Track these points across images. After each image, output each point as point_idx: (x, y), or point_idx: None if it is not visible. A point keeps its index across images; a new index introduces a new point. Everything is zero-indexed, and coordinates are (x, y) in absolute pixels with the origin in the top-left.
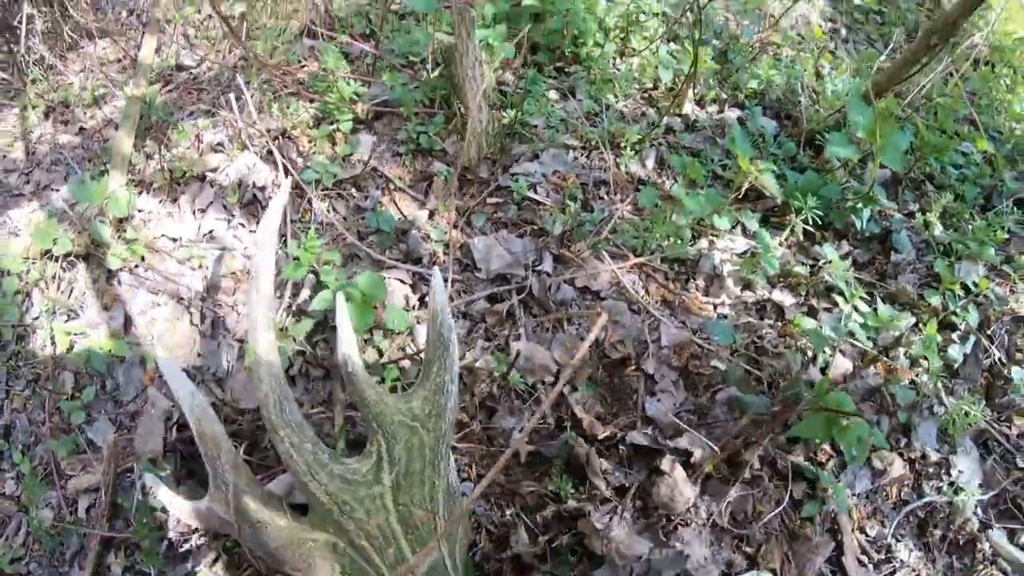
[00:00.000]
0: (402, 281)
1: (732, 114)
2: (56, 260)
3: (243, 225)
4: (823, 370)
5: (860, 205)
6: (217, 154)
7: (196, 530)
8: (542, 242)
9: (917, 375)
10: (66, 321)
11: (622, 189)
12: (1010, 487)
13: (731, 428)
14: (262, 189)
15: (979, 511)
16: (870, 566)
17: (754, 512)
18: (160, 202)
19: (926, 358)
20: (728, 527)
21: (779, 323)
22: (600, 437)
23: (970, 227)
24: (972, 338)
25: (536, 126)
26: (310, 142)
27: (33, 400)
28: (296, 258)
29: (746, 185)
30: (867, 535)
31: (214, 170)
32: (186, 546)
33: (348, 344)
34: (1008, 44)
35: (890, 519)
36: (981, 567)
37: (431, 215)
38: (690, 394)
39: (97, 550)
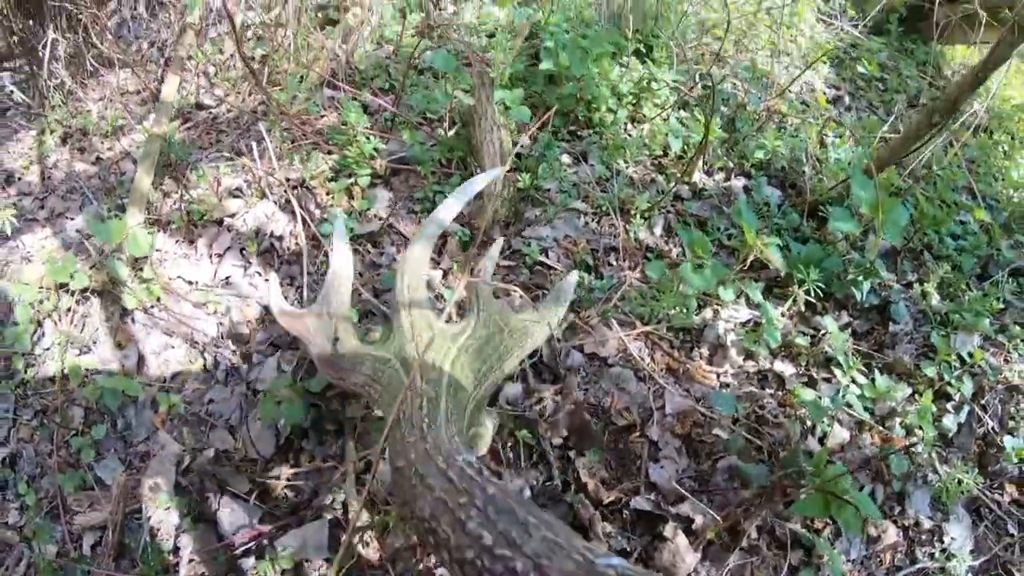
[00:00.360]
0: None
1: (738, 183)
2: (72, 294)
3: (259, 273)
4: (821, 440)
5: (860, 278)
6: (236, 199)
7: (209, 574)
8: None
9: (912, 444)
10: (79, 355)
11: (631, 256)
12: (1001, 552)
13: (731, 496)
14: (279, 239)
15: None
16: None
17: None
18: (177, 243)
19: (921, 427)
20: None
21: (780, 392)
22: (605, 502)
23: (967, 297)
24: (966, 408)
25: (549, 190)
26: (328, 194)
27: (41, 432)
28: None
29: (751, 257)
30: None
31: (232, 215)
32: None
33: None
34: (1007, 110)
35: None
36: None
37: (445, 275)
38: (692, 461)
39: None
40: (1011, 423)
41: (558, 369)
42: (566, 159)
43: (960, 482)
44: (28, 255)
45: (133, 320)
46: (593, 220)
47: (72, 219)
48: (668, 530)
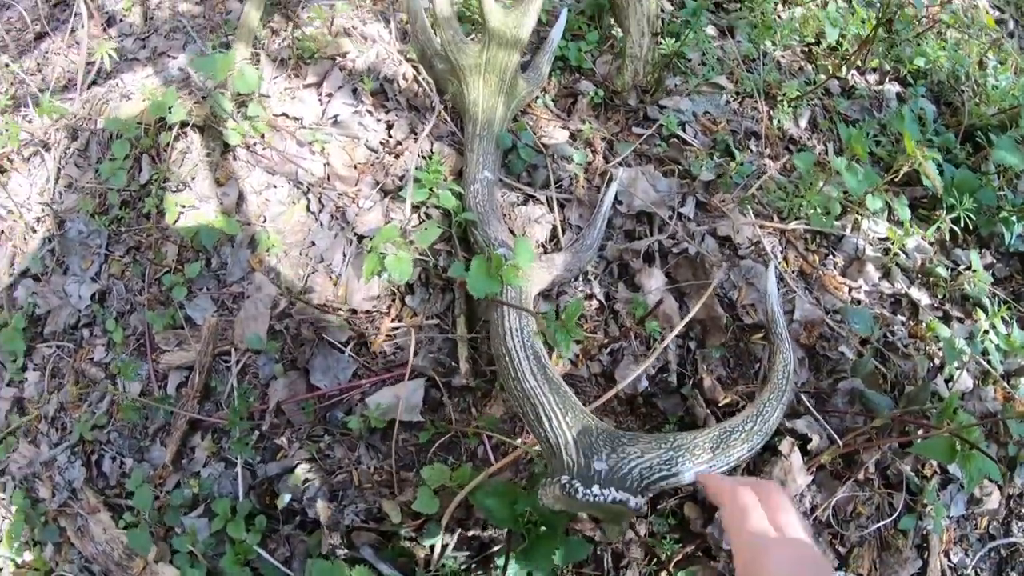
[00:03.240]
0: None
1: (891, 88)
2: (171, 129)
3: (370, 113)
4: (947, 381)
5: (1013, 218)
6: (349, 37)
7: (289, 425)
8: (686, 185)
9: None
10: (175, 192)
11: (772, 144)
12: None
13: (848, 420)
14: (390, 81)
15: None
16: None
17: (854, 512)
18: (285, 79)
19: None
20: (828, 522)
21: (911, 322)
22: (720, 403)
23: None
24: None
25: (691, 60)
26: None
27: (132, 269)
28: (418, 180)
29: (905, 169)
30: (950, 561)
31: (344, 54)
32: (277, 441)
33: None
34: None
35: (974, 550)
36: None
37: (572, 136)
38: (813, 375)
39: (184, 430)
40: None
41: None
42: (711, 31)
43: None
44: (128, 93)
45: (235, 157)
46: (735, 100)
47: (175, 58)
48: (784, 445)
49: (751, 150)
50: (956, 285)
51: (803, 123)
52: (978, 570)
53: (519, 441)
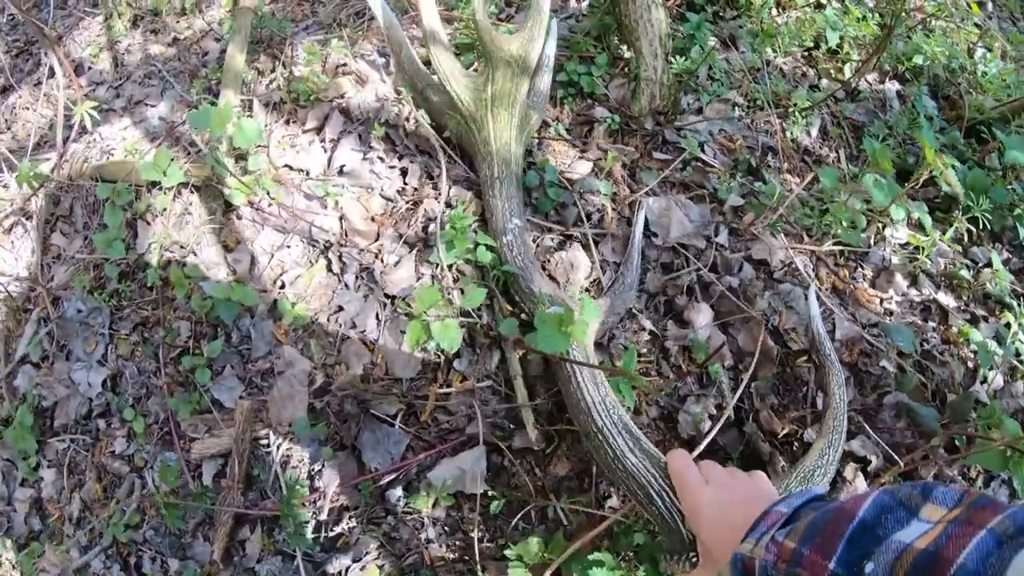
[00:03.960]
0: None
1: (892, 87)
2: (167, 193)
3: (381, 159)
4: (982, 382)
5: None
6: (346, 77)
7: (345, 509)
8: (715, 210)
9: None
10: (182, 265)
11: (789, 158)
12: None
13: (897, 435)
14: (394, 126)
15: None
16: None
17: None
18: (283, 127)
19: None
20: None
21: (942, 327)
22: (780, 434)
23: None
24: None
25: (699, 76)
26: None
27: (143, 348)
28: (448, 237)
29: (925, 176)
30: None
31: (342, 95)
32: (336, 529)
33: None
34: None
35: None
36: None
37: (595, 167)
38: (858, 393)
39: (230, 524)
40: None
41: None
42: (712, 42)
43: None
44: (108, 149)
45: (239, 217)
46: (747, 114)
47: (153, 106)
48: (848, 471)
49: (769, 166)
50: (978, 285)
51: (814, 132)
52: None
53: (596, 502)
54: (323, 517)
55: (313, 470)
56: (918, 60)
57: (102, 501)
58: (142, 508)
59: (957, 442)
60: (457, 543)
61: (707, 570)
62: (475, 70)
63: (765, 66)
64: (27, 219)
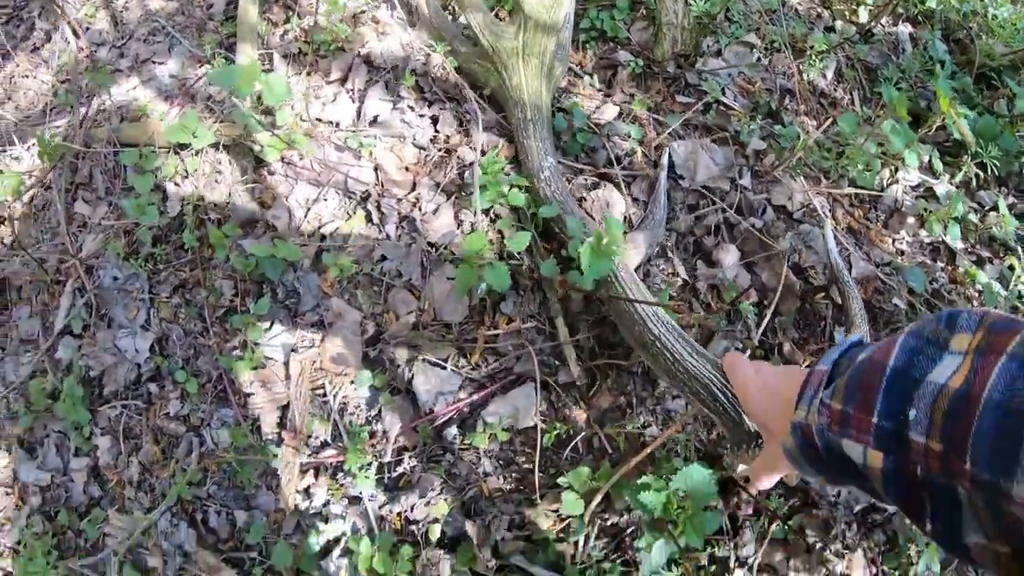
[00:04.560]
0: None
1: (904, 29)
2: (197, 154)
3: (412, 108)
4: None
5: None
6: (368, 26)
7: (406, 449)
8: (738, 153)
9: None
10: (219, 224)
11: (806, 100)
12: None
13: None
14: (422, 73)
15: None
16: None
17: None
18: (304, 77)
19: None
20: None
21: (950, 267)
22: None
23: None
24: None
25: (716, 19)
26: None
27: (187, 310)
28: (484, 186)
29: (938, 124)
30: None
31: (364, 45)
32: (399, 469)
33: None
34: None
35: None
36: None
37: (621, 112)
38: (871, 328)
39: (295, 474)
40: None
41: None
42: None
43: None
44: (123, 110)
45: (271, 172)
46: (765, 56)
47: (162, 63)
48: None
49: (787, 109)
50: (984, 228)
51: (829, 75)
52: None
53: (638, 428)
54: (386, 459)
55: (371, 415)
56: (931, 3)
57: (161, 462)
58: (203, 465)
59: None
60: (513, 475)
61: (770, 448)
62: (506, 21)
63: (781, 6)
64: (46, 189)
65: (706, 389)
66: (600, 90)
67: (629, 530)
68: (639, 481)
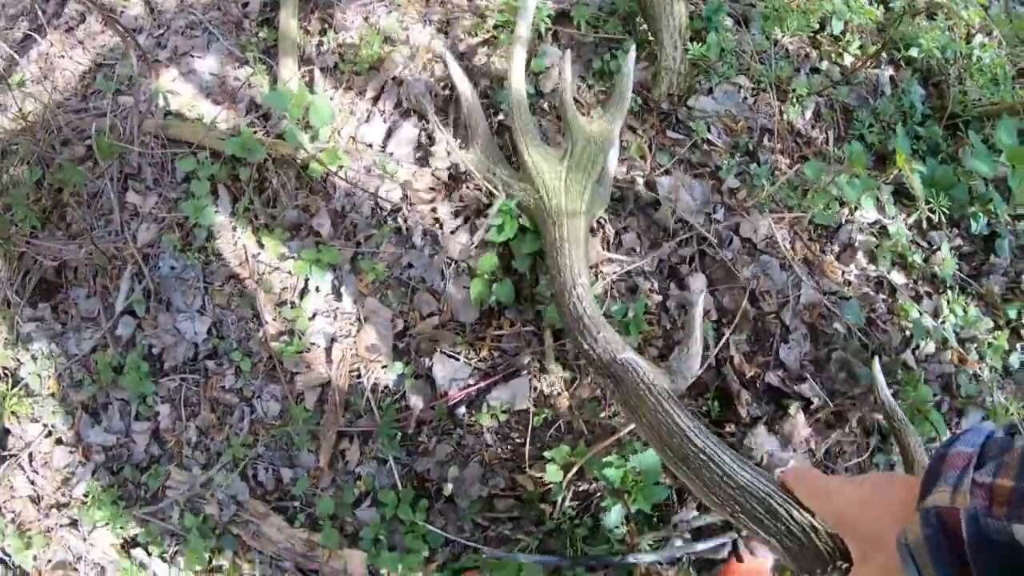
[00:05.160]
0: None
1: (885, 72)
2: (248, 166)
3: (438, 132)
4: (914, 351)
5: (980, 212)
6: (401, 47)
7: (425, 423)
8: (714, 187)
9: (980, 369)
10: (267, 227)
11: (783, 139)
12: None
13: (838, 385)
14: (453, 100)
15: None
16: None
17: (841, 451)
18: (341, 93)
19: (991, 358)
20: (821, 458)
21: (890, 299)
22: (747, 375)
23: None
24: None
25: (710, 58)
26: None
27: (240, 300)
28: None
29: (894, 174)
30: None
31: (396, 66)
32: (420, 439)
33: (566, 83)
34: None
35: None
36: None
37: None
38: (813, 347)
39: (334, 439)
40: None
41: (723, 253)
42: (727, 22)
43: (1007, 411)
44: (167, 103)
45: (312, 182)
46: (751, 95)
47: (200, 58)
48: (793, 408)
49: (764, 146)
50: (928, 266)
51: (808, 115)
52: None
53: (609, 417)
54: (409, 430)
55: (397, 394)
56: (913, 52)
57: (216, 427)
58: (253, 431)
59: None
60: (508, 447)
61: (872, 563)
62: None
63: (773, 46)
64: (97, 178)
65: (763, 504)
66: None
67: (597, 495)
68: (605, 459)
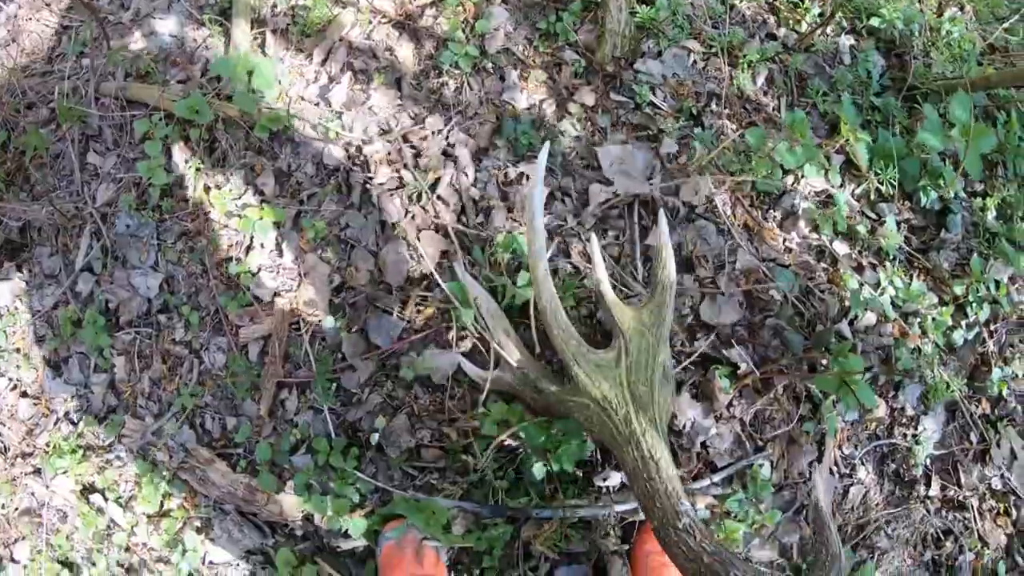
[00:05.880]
0: None
1: (846, 40)
2: (199, 127)
3: (379, 104)
4: (852, 322)
5: (930, 187)
6: (347, 9)
7: (357, 375)
8: (653, 150)
9: (922, 343)
10: (217, 186)
11: (731, 105)
12: (957, 452)
13: (771, 351)
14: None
15: (927, 462)
16: (836, 475)
17: (769, 418)
18: (291, 55)
19: (933, 333)
20: (749, 424)
21: (831, 269)
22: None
23: (1021, 224)
24: (976, 329)
25: (659, 21)
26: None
27: (190, 256)
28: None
29: (839, 144)
30: (842, 452)
31: (347, 30)
32: (352, 389)
33: (600, 270)
34: None
35: (861, 446)
36: (912, 502)
37: (558, 106)
38: (747, 312)
39: (274, 389)
40: (1007, 354)
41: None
42: None
43: (948, 387)
44: (128, 65)
45: (260, 143)
46: (701, 60)
47: (162, 19)
48: (711, 373)
49: (711, 111)
50: (874, 238)
51: (760, 81)
52: (863, 460)
53: None
54: (343, 381)
55: (333, 347)
56: (875, 22)
57: (168, 378)
58: (201, 381)
59: (817, 366)
60: (437, 401)
61: None
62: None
63: (729, 11)
64: (59, 140)
65: None
66: (546, 84)
67: (520, 451)
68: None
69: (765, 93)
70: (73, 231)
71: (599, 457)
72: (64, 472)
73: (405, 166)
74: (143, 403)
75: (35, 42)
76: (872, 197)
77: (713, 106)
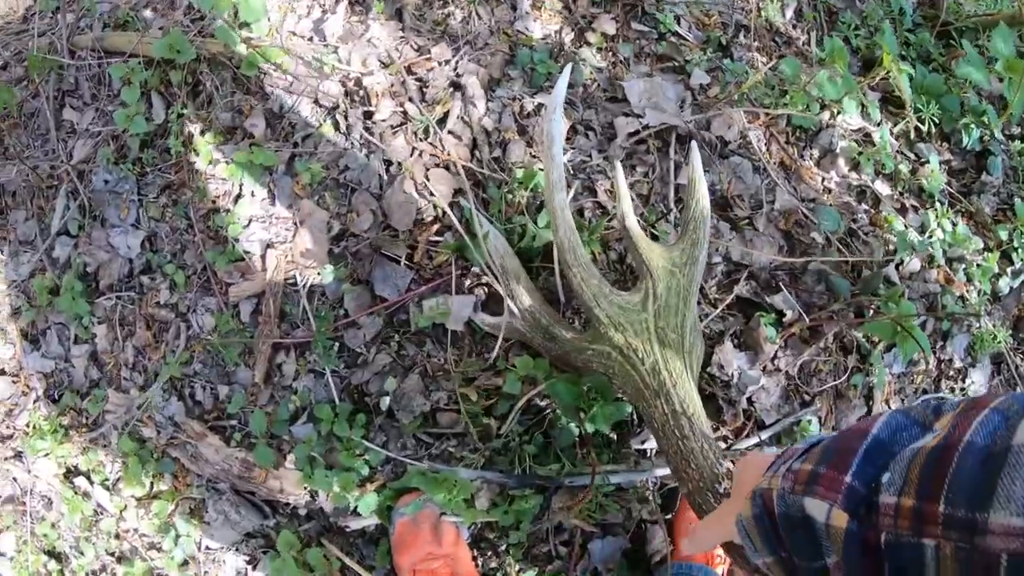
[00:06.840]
0: None
1: None
2: (180, 69)
3: (381, 35)
4: (898, 267)
5: (972, 125)
6: None
7: (363, 332)
8: (681, 82)
9: (967, 292)
10: (202, 132)
11: (760, 37)
12: None
13: (815, 297)
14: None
15: None
16: None
17: (816, 370)
18: None
19: (980, 281)
20: (795, 377)
21: (873, 211)
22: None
23: None
24: (1022, 277)
25: None
26: None
27: (174, 209)
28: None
29: (880, 77)
30: (890, 407)
31: None
32: (356, 348)
33: (625, 201)
34: None
35: (909, 400)
36: None
37: (577, 36)
38: (788, 256)
39: (269, 352)
40: None
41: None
42: None
43: (995, 338)
44: (105, 16)
45: (249, 82)
46: None
47: None
48: (754, 321)
49: (740, 44)
50: (915, 179)
51: (789, 14)
52: None
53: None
54: (346, 339)
55: (335, 302)
56: None
57: (153, 346)
58: (190, 347)
59: (864, 312)
60: (452, 357)
61: (722, 511)
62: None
63: None
64: (34, 97)
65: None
66: (561, 13)
67: (548, 412)
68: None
69: (794, 26)
70: (49, 192)
71: (635, 417)
72: (46, 454)
73: (410, 99)
74: (127, 375)
75: (10, 2)
76: (912, 136)
77: (742, 38)
